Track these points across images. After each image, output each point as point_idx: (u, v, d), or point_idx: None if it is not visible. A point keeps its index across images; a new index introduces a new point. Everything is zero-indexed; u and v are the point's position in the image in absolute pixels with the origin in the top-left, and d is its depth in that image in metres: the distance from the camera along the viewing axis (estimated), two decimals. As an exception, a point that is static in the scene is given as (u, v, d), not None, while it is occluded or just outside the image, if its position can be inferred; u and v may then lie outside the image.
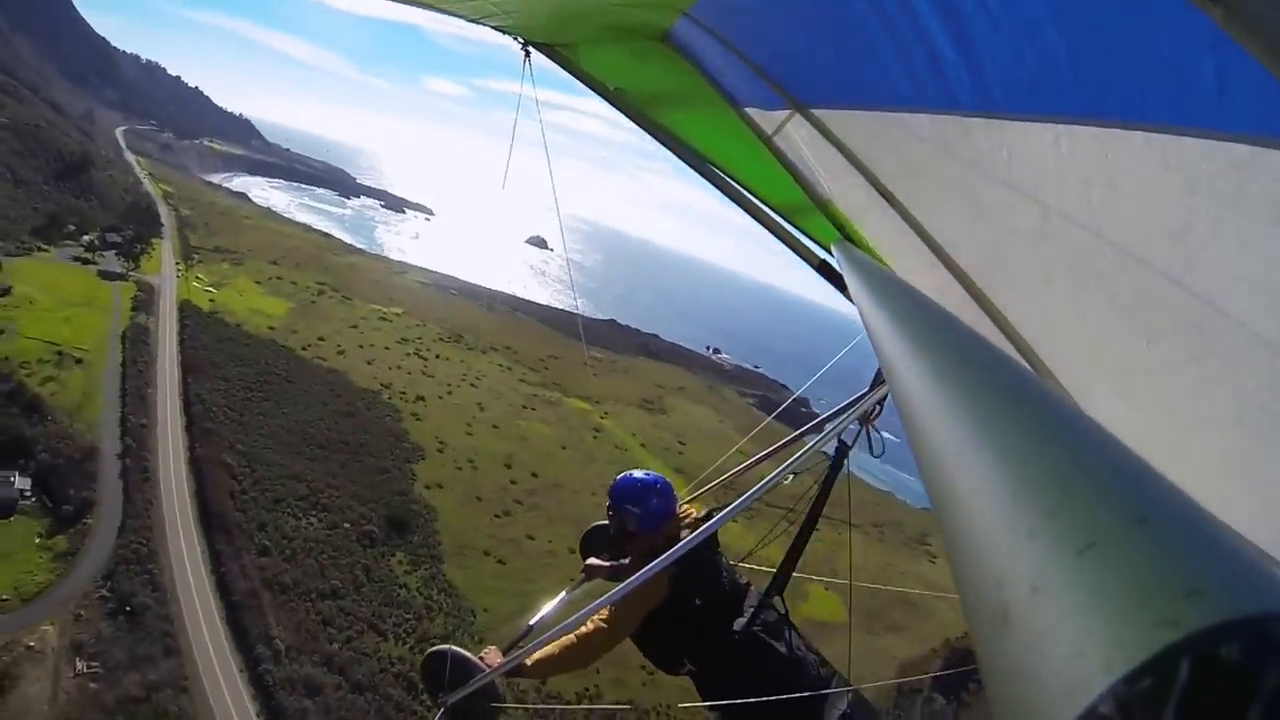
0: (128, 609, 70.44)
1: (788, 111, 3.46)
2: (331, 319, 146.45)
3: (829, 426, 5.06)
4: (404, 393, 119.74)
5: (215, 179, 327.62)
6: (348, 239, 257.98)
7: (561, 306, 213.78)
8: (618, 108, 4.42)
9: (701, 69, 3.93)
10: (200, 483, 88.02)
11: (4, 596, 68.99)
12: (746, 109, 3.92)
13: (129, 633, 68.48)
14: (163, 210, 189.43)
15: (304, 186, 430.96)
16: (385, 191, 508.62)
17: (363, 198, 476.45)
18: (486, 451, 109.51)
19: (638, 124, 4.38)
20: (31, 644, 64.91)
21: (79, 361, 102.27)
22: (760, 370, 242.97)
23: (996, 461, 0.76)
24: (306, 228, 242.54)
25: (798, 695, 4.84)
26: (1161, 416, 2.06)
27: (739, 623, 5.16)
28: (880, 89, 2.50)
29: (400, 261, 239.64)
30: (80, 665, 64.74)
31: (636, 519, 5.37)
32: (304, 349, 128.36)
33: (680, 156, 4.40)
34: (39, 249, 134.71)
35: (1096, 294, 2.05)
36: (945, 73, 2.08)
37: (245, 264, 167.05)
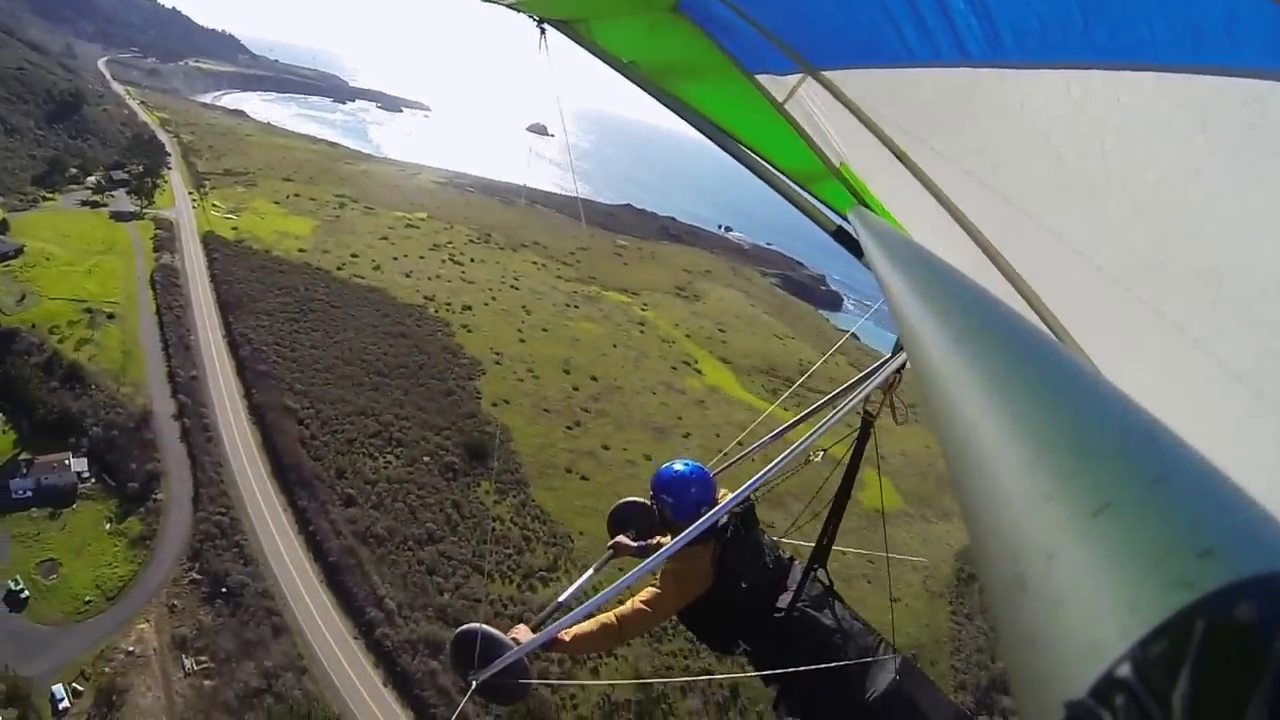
0: (224, 590, 62.49)
1: (799, 75, 3.44)
2: (359, 232, 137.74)
3: (849, 398, 5.10)
4: (449, 304, 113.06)
5: (208, 99, 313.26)
6: (353, 145, 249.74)
7: (569, 194, 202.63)
8: (633, 81, 4.15)
9: (713, 37, 3.74)
10: (266, 434, 78.67)
11: (87, 598, 60.98)
12: (758, 76, 3.83)
13: (231, 617, 60.64)
14: (164, 138, 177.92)
15: (298, 96, 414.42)
16: (380, 92, 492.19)
17: (358, 101, 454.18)
18: (543, 358, 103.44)
19: (653, 96, 4.12)
20: (131, 649, 57.36)
21: (111, 317, 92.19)
22: (774, 247, 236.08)
23: (1012, 426, 0.75)
24: (312, 139, 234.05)
25: (848, 663, 4.93)
26: (1178, 368, 1.98)
27: (784, 599, 5.18)
28: (891, 44, 2.42)
29: (412, 163, 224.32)
30: (189, 664, 57.14)
31: (673, 509, 5.30)
32: (339, 269, 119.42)
33: (696, 126, 4.17)
34: (44, 198, 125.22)
35: (1111, 244, 2.05)
36: (954, 21, 2.06)
37: (259, 184, 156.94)
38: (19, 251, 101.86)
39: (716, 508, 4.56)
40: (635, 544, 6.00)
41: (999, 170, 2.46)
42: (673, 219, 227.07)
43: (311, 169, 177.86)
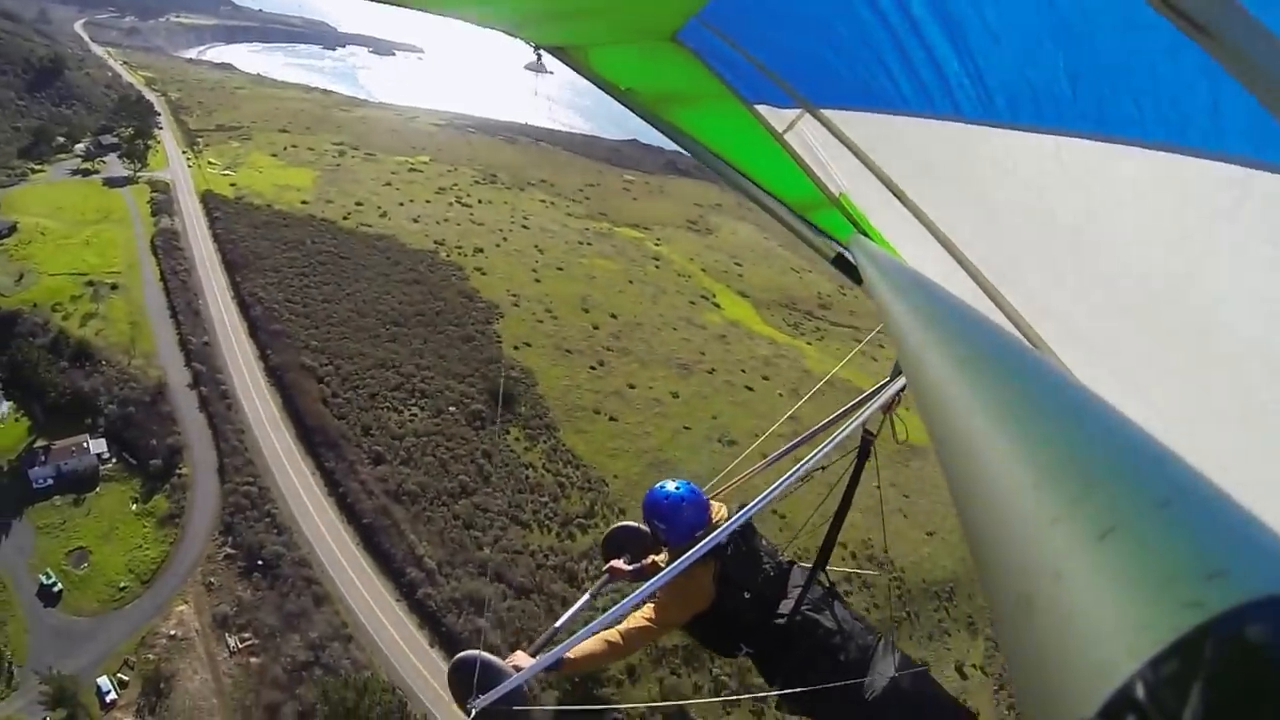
0: (260, 563, 60.73)
1: (798, 111, 3.44)
2: (362, 180, 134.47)
3: (850, 420, 5.16)
4: (460, 247, 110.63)
5: (193, 54, 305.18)
6: (346, 92, 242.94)
7: (572, 130, 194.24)
8: (630, 108, 4.22)
9: (711, 67, 3.74)
10: (286, 396, 76.64)
11: (121, 584, 59.57)
12: (758, 106, 3.79)
13: (270, 589, 59.08)
14: (151, 98, 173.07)
15: (285, 45, 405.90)
16: (371, 37, 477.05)
17: (348, 46, 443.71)
18: (560, 297, 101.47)
19: (650, 124, 4.21)
20: (172, 632, 55.99)
21: (114, 288, 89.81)
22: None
23: (1016, 449, 0.75)
24: (305, 88, 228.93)
25: (851, 662, 5.07)
26: (1169, 417, 2.07)
27: (786, 605, 5.26)
28: (887, 93, 2.49)
29: (410, 107, 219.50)
30: (233, 642, 55.70)
31: (667, 534, 5.28)
32: (345, 218, 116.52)
33: (693, 153, 4.28)
34: (33, 171, 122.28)
35: (1103, 296, 2.14)
36: (949, 81, 2.13)
37: (254, 138, 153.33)
38: (12, 229, 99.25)
39: (714, 533, 4.47)
40: (630, 568, 6.07)
41: (995, 217, 2.55)
42: (679, 153, 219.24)
43: (307, 118, 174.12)
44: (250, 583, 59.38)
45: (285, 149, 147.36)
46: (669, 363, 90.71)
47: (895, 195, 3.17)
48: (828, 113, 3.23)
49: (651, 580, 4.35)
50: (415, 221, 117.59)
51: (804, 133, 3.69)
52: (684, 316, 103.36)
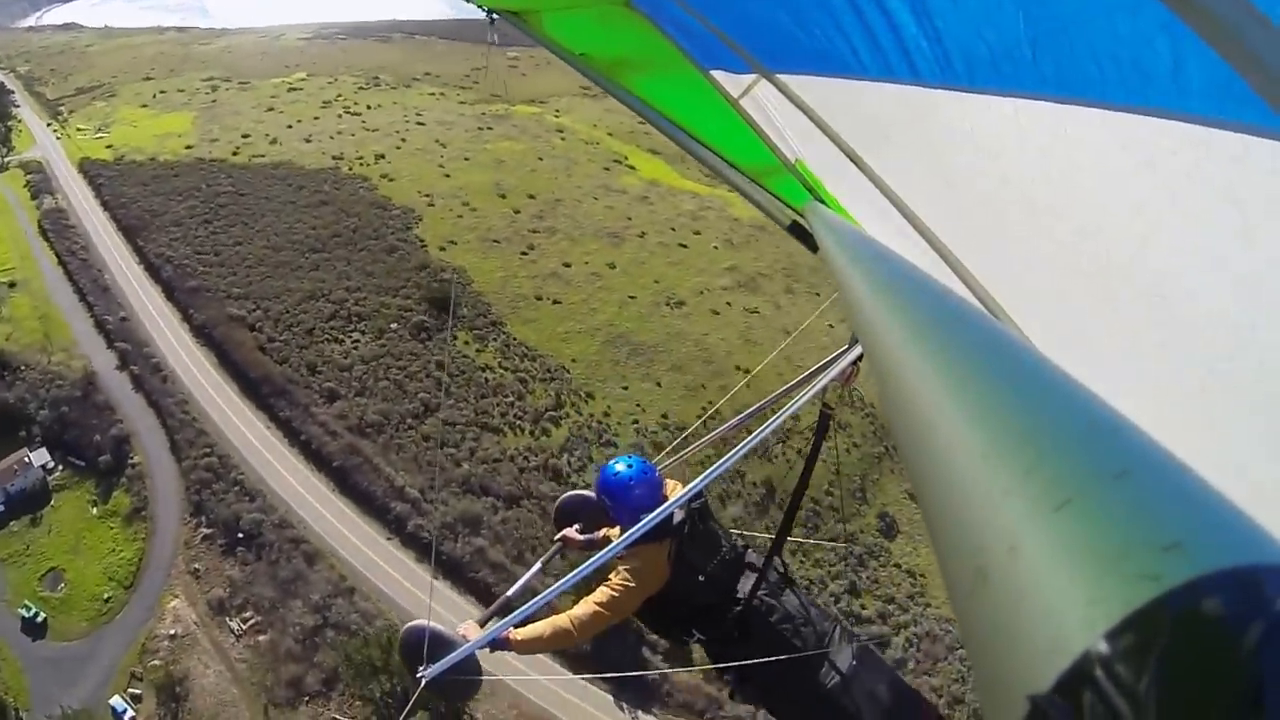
0: (240, 535, 57.76)
1: (754, 76, 3.42)
2: (243, 111, 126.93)
3: (805, 390, 5.09)
4: (360, 158, 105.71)
5: (30, 22, 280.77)
6: (202, 25, 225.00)
7: (446, 18, 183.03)
8: (583, 73, 4.24)
9: (666, 33, 3.71)
10: (220, 352, 72.70)
11: (105, 596, 56.27)
12: (713, 71, 3.76)
13: (259, 561, 56.32)
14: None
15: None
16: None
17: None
18: (473, 188, 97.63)
19: (604, 89, 4.26)
20: (171, 632, 53.26)
21: (12, 286, 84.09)
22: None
23: (969, 418, 0.74)
24: (158, 30, 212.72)
25: (806, 654, 4.99)
26: (1125, 381, 2.04)
27: (743, 587, 5.18)
28: (844, 57, 2.45)
29: (272, 26, 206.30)
30: (235, 625, 53.37)
31: (617, 511, 5.18)
32: (235, 154, 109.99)
33: (647, 119, 4.31)
34: None
35: (1060, 260, 2.12)
36: (906, 44, 2.10)
37: (119, 93, 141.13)
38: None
39: (666, 504, 4.49)
40: (583, 537, 5.97)
41: (952, 183, 2.50)
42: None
43: (169, 61, 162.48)
44: (236, 559, 56.63)
45: (154, 97, 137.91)
46: (598, 234, 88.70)
47: (852, 160, 3.12)
48: (784, 78, 3.14)
49: (601, 552, 4.35)
50: (308, 141, 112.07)
51: (759, 98, 3.58)
52: (601, 184, 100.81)
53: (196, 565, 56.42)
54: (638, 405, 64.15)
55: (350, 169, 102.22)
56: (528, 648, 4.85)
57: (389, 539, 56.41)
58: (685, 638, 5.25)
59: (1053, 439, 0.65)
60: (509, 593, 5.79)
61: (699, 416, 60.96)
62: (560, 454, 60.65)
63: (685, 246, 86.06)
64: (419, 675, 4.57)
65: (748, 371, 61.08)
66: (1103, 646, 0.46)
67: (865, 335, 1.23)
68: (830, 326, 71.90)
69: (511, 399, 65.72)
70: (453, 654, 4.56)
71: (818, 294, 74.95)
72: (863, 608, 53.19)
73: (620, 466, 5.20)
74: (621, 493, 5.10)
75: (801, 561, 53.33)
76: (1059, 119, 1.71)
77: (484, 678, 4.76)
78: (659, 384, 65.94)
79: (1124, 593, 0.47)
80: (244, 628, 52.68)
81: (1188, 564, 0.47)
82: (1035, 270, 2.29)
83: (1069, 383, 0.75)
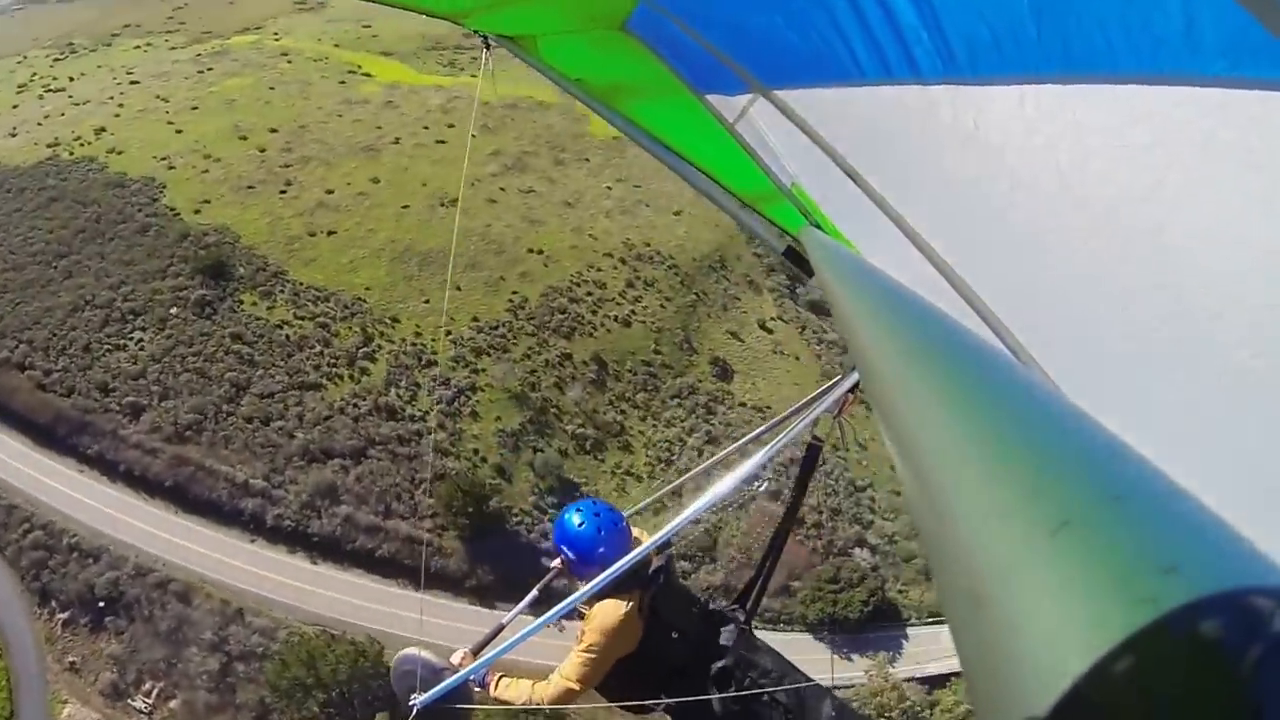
0: (101, 604, 49.54)
1: (750, 95, 3.41)
2: None
3: (793, 425, 4.66)
4: (78, 138, 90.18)
5: None
6: None
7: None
8: (579, 99, 4.38)
9: (661, 56, 3.75)
10: None
11: None
12: (708, 95, 3.78)
13: (133, 622, 49.15)
14: None
15: None
16: None
17: None
18: (210, 137, 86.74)
19: (599, 114, 4.33)
20: None
21: None
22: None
23: (967, 443, 0.75)
24: None
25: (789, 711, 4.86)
26: (1140, 382, 2.01)
27: (714, 648, 4.96)
28: (841, 61, 2.38)
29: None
30: (141, 703, 46.99)
31: (583, 567, 4.85)
32: None
33: (643, 145, 4.34)
34: None
35: (1067, 260, 2.06)
36: (905, 37, 2.04)
37: None
38: None
39: (640, 548, 4.35)
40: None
41: (952, 188, 2.45)
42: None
43: None
44: (109, 631, 49.18)
45: None
46: (353, 151, 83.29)
47: (849, 176, 3.05)
48: (780, 93, 3.14)
49: (567, 600, 4.33)
50: (13, 135, 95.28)
51: (755, 120, 3.55)
52: (342, 100, 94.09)
53: (71, 658, 48.57)
54: (445, 316, 62.66)
55: (71, 153, 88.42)
56: (501, 700, 4.94)
57: (252, 541, 51.79)
58: (652, 708, 5.03)
59: (1050, 462, 0.65)
60: (504, 620, 5.71)
61: (508, 310, 60.66)
62: (387, 389, 58.16)
63: (444, 142, 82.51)
64: (411, 704, 4.75)
65: (540, 252, 59.88)
66: (1100, 670, 0.46)
67: (861, 360, 1.22)
68: (608, 189, 72.18)
69: (319, 348, 61.34)
70: (442, 683, 4.73)
71: (587, 159, 74.49)
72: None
73: (577, 518, 4.91)
74: (587, 548, 4.82)
75: (653, 424, 54.53)
76: (1066, 102, 1.64)
77: (476, 707, 4.97)
78: (459, 288, 64.23)
79: (1121, 616, 0.47)
80: (150, 701, 46.93)
81: (1185, 587, 0.47)
82: (1044, 277, 2.23)
83: (1066, 406, 0.76)
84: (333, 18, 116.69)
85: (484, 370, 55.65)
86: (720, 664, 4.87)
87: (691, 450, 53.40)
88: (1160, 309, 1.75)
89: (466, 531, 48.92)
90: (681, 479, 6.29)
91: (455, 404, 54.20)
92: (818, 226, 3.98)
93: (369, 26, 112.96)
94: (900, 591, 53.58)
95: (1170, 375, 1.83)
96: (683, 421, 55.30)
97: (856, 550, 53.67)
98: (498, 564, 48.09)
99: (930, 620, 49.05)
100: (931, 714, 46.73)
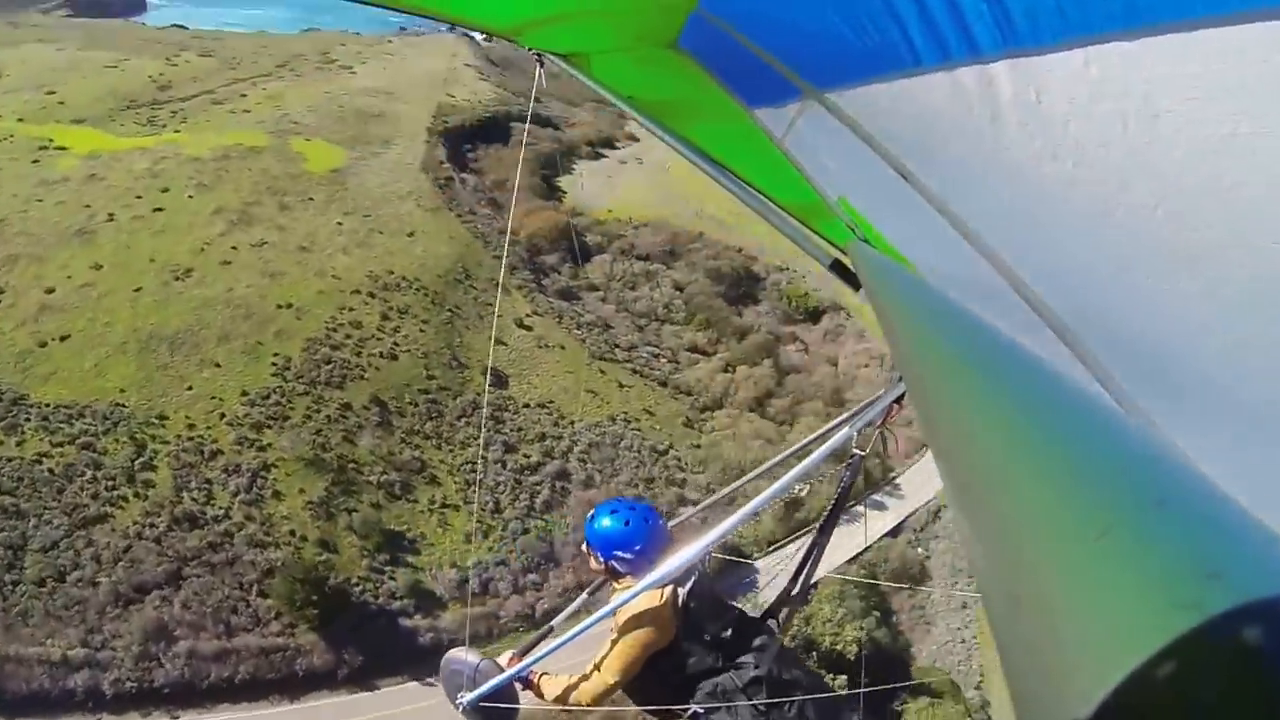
0: None
1: (800, 103, 3.33)
2: None
3: (837, 435, 4.61)
4: None
5: None
6: None
7: None
8: (631, 115, 4.35)
9: (711, 73, 3.78)
10: None
11: None
12: (757, 110, 3.79)
13: None
14: None
15: None
16: None
17: None
18: None
19: (651, 130, 4.24)
20: None
21: None
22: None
23: (1012, 449, 0.75)
24: None
25: None
26: (1226, 383, 1.86)
27: (745, 659, 4.82)
28: (897, 50, 2.28)
29: None
30: None
31: (629, 565, 4.75)
32: None
33: (694, 161, 4.24)
34: None
35: (1137, 244, 1.89)
36: (963, 12, 1.93)
37: None
38: None
39: (695, 546, 4.32)
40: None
41: (1013, 175, 2.27)
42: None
43: None
44: None
45: None
46: (64, 239, 74.50)
47: (902, 176, 2.89)
48: (832, 95, 3.05)
49: (615, 600, 4.52)
50: None
51: (805, 130, 3.49)
52: (39, 181, 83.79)
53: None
54: (212, 398, 60.31)
55: None
56: (544, 696, 4.98)
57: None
58: (679, 713, 4.91)
59: (1094, 467, 0.65)
60: (554, 621, 5.94)
61: (275, 374, 58.72)
62: (180, 496, 51.19)
63: (161, 210, 76.72)
64: (457, 702, 4.87)
65: (289, 305, 59.48)
66: (1141, 675, 0.46)
67: (909, 372, 1.26)
68: (339, 224, 70.21)
69: (90, 473, 52.36)
70: (488, 682, 4.83)
71: (311, 199, 72.77)
72: (526, 456, 54.49)
73: (614, 514, 4.87)
74: (626, 542, 4.77)
75: (450, 449, 55.11)
76: (1133, 60, 1.53)
77: (522, 706, 5.00)
78: (218, 365, 61.82)
79: (1164, 621, 0.47)
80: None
81: (1227, 593, 0.47)
82: (1108, 266, 2.10)
83: (1111, 412, 0.79)
84: (8, 88, 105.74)
85: (270, 445, 54.43)
86: (753, 674, 4.78)
87: (495, 464, 53.53)
88: (1245, 286, 1.61)
89: (317, 621, 45.23)
90: (725, 491, 6.47)
91: (254, 490, 52.64)
92: (865, 240, 3.98)
93: (53, 93, 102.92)
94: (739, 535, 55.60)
95: (1253, 342, 1.70)
96: (476, 439, 56.27)
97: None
98: (362, 643, 45.11)
99: (770, 550, 47.89)
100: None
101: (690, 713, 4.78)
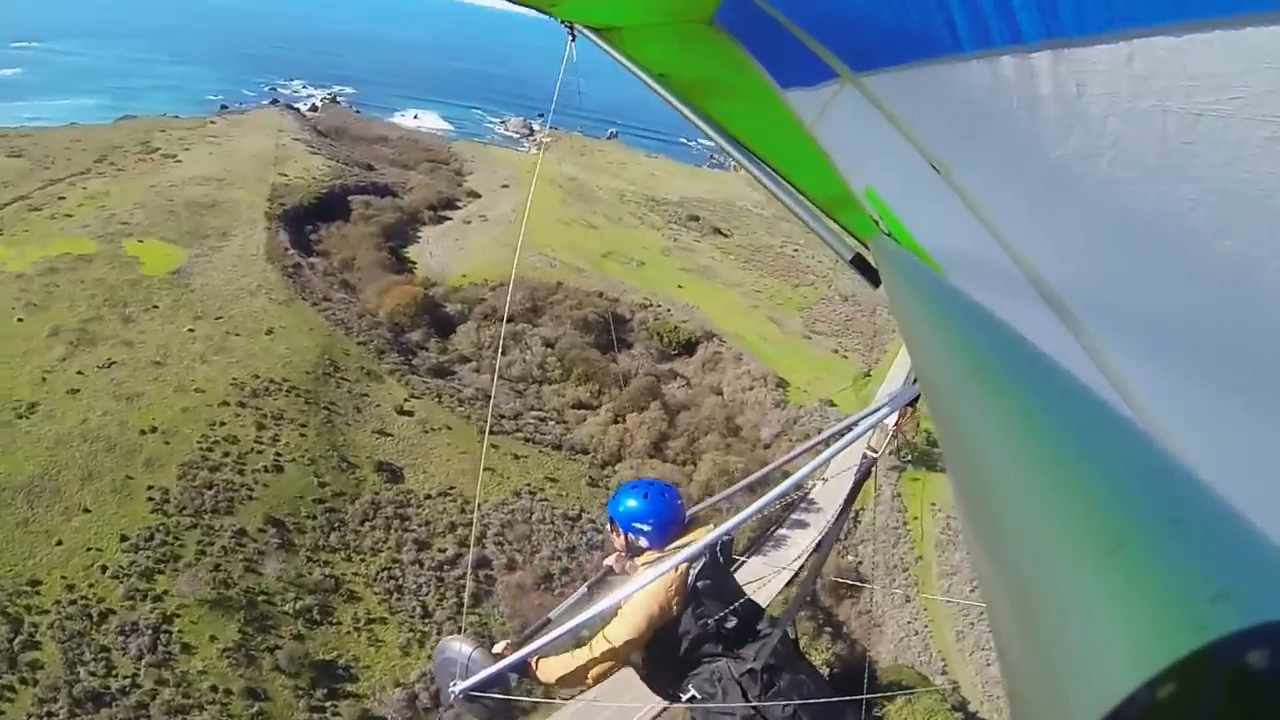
0: None
1: (835, 87, 3.21)
2: None
3: (854, 432, 4.72)
4: None
5: None
6: None
7: None
8: (660, 95, 4.19)
9: (747, 50, 3.67)
10: None
11: None
12: (791, 92, 3.66)
13: None
14: None
15: None
16: None
17: None
18: None
19: (680, 112, 4.18)
20: None
21: None
22: None
23: (1028, 459, 0.74)
24: None
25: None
26: (1261, 364, 1.65)
27: (749, 650, 4.77)
28: (939, 34, 2.12)
29: None
30: None
31: (648, 536, 4.90)
32: None
33: (721, 144, 4.16)
34: None
35: (1173, 251, 1.74)
36: None
37: None
38: None
39: (715, 532, 4.47)
40: (629, 562, 5.52)
41: (1048, 172, 2.10)
42: None
43: None
44: None
45: None
46: None
47: (935, 168, 2.80)
48: (868, 80, 2.95)
49: (626, 587, 4.48)
50: None
51: (836, 117, 3.41)
52: None
53: None
54: (89, 550, 55.82)
55: None
56: (547, 678, 4.90)
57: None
58: (678, 694, 4.88)
59: (1110, 483, 0.65)
60: (551, 613, 5.86)
61: (154, 510, 54.73)
62: (75, 673, 46.55)
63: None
64: (450, 689, 4.81)
65: (154, 430, 56.19)
66: (1145, 694, 0.45)
67: (925, 376, 1.25)
68: (191, 330, 66.28)
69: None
70: (482, 672, 4.77)
71: (156, 305, 68.43)
72: (442, 550, 52.01)
73: (638, 491, 5.04)
74: (647, 514, 4.91)
75: (361, 559, 53.63)
76: (1177, 53, 1.40)
77: (513, 698, 4.97)
78: (87, 510, 57.25)
79: (1170, 641, 0.46)
80: None
81: (1235, 615, 0.46)
82: (1141, 277, 2.00)
83: (1127, 427, 0.76)
84: None
85: (166, 592, 50.50)
86: (749, 666, 4.73)
87: (412, 565, 52.40)
88: (1272, 278, 1.49)
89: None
90: (733, 488, 6.56)
91: (159, 649, 47.96)
92: (890, 235, 3.90)
93: None
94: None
95: None
96: (385, 542, 54.47)
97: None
98: (326, 792, 43.29)
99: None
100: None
101: (689, 695, 4.81)
